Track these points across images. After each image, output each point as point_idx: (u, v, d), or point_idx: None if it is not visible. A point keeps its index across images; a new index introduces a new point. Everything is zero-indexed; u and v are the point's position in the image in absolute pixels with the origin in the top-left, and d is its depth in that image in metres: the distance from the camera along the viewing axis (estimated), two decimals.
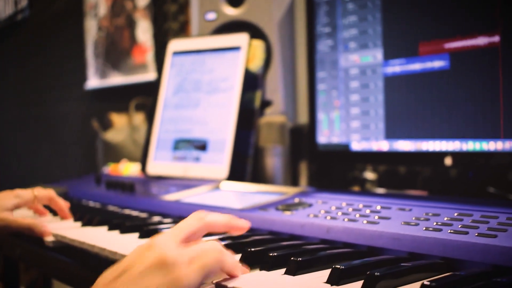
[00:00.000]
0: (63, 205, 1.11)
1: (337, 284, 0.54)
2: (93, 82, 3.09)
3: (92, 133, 2.51)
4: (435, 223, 0.68)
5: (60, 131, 3.62)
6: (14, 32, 4.19)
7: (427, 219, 0.70)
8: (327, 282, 0.55)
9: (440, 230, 0.65)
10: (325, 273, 0.59)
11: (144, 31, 2.63)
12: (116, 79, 2.87)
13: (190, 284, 0.52)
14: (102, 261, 0.79)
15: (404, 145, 1.09)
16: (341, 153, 1.21)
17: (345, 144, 1.20)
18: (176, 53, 1.49)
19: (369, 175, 1.40)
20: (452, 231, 0.64)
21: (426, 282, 0.49)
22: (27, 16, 3.95)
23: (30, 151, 4.01)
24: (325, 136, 1.24)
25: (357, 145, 1.18)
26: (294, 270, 0.59)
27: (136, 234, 0.87)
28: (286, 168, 1.33)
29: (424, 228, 0.66)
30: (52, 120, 3.73)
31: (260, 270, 0.62)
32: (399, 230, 0.67)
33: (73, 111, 3.46)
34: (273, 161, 1.32)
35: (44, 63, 3.80)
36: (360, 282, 0.53)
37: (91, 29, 3.07)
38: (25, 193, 1.08)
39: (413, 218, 0.71)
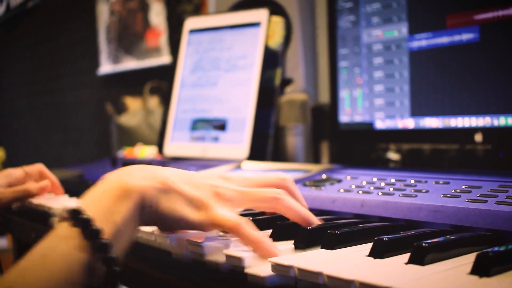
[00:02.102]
0: (54, 179, 1.13)
1: (381, 257, 0.50)
2: (106, 67, 3.06)
3: (106, 119, 2.49)
4: (478, 195, 0.64)
5: (74, 118, 3.61)
6: (25, 19, 4.17)
7: (469, 191, 0.66)
8: (370, 255, 0.51)
9: (485, 201, 0.61)
10: (365, 247, 0.55)
11: (157, 14, 2.59)
12: (130, 64, 2.83)
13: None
14: None
15: (431, 122, 1.05)
16: (365, 132, 1.17)
17: (369, 123, 1.16)
18: (192, 31, 1.45)
19: (393, 155, 1.36)
20: (498, 202, 0.60)
21: (481, 252, 0.45)
22: (38, 2, 3.92)
23: (44, 139, 4.00)
24: (347, 114, 1.20)
25: (381, 124, 1.14)
26: (332, 243, 0.55)
27: None
28: (308, 148, 1.30)
29: (467, 200, 0.62)
30: (65, 107, 3.71)
31: (295, 245, 0.59)
32: (440, 202, 0.63)
33: (86, 98, 3.44)
34: (294, 140, 1.28)
35: (56, 50, 3.78)
36: (406, 255, 0.50)
37: (103, 14, 3.03)
38: (15, 171, 1.10)
39: (453, 191, 0.68)
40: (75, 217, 0.51)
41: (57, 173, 1.23)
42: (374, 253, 0.51)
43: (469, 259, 0.47)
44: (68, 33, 3.60)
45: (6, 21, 4.18)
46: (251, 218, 0.67)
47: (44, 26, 3.91)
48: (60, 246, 0.50)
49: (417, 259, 0.47)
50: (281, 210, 0.62)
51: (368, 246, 0.54)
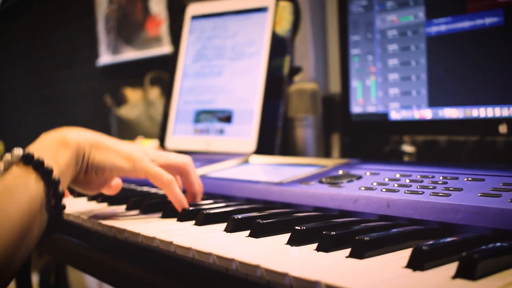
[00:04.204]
0: None
1: (422, 269, 0.43)
2: (105, 58, 2.99)
3: (105, 111, 2.42)
4: None
5: (73, 110, 3.55)
6: (23, 9, 4.11)
7: (509, 190, 0.59)
8: (408, 266, 0.44)
9: None
10: (399, 255, 0.48)
11: (157, 2, 2.52)
12: (129, 54, 2.76)
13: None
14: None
15: (451, 113, 0.98)
16: (378, 123, 1.11)
17: (383, 113, 1.09)
18: (195, 18, 1.38)
19: (407, 147, 1.29)
20: None
21: None
22: None
23: (43, 131, 3.93)
24: (359, 105, 1.13)
25: (396, 114, 1.07)
26: (361, 251, 0.48)
27: (159, 214, 0.77)
28: (319, 140, 1.23)
29: (510, 200, 0.55)
30: (64, 99, 3.65)
31: (317, 251, 0.52)
32: (479, 203, 0.56)
33: (85, 89, 3.38)
34: (304, 132, 1.21)
35: (54, 40, 3.72)
36: (451, 266, 0.43)
37: (102, 3, 2.96)
38: None
39: (491, 189, 0.60)
40: (30, 159, 0.63)
41: None
42: (413, 264, 0.44)
43: None
44: (66, 23, 3.54)
45: (3, 11, 4.12)
46: (263, 221, 0.60)
47: (42, 16, 3.84)
48: (20, 182, 0.61)
49: (467, 272, 0.40)
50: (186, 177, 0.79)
51: (402, 254, 0.47)
